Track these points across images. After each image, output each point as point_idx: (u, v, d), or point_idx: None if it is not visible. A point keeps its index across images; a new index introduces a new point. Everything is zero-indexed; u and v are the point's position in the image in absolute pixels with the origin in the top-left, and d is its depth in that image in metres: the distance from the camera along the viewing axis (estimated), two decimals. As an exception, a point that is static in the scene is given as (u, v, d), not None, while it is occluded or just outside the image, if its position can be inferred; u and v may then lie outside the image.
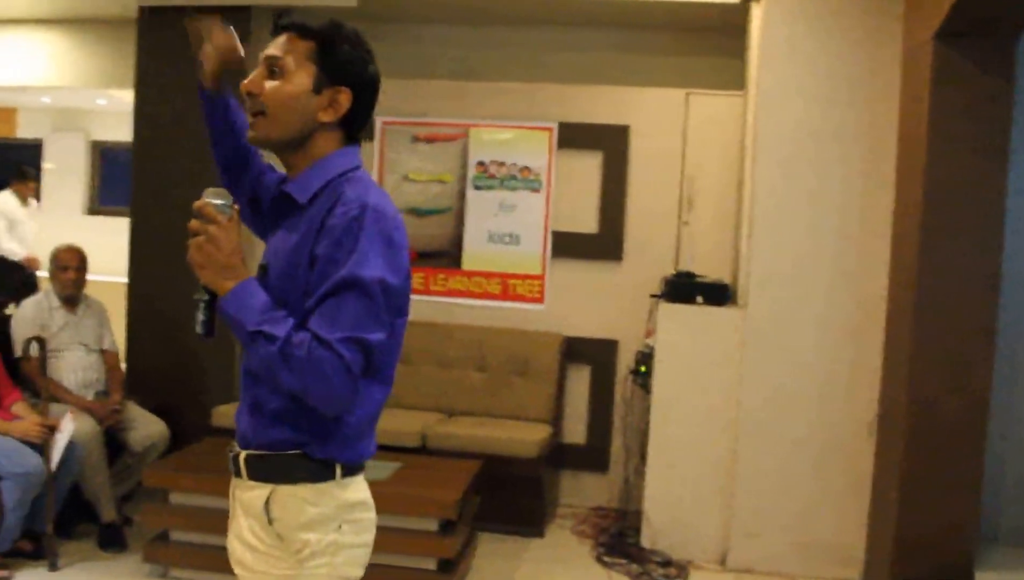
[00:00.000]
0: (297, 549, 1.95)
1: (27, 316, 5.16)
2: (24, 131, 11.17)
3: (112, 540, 4.87)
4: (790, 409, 5.03)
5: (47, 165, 11.04)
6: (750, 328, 5.06)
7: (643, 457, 5.36)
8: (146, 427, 5.13)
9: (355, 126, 2.05)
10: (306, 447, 1.95)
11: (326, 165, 2.00)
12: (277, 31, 2.03)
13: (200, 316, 1.96)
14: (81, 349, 5.21)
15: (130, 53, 6.35)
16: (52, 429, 4.59)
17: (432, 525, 4.33)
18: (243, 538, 2.03)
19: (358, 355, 1.83)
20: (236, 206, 1.96)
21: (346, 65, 1.99)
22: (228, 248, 1.90)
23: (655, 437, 5.22)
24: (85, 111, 10.59)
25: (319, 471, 1.96)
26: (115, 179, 10.64)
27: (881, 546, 4.69)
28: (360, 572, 2.04)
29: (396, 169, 6.20)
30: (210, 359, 5.76)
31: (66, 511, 4.84)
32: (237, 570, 2.06)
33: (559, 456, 5.93)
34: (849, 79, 4.95)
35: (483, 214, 6.11)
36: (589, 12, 5.86)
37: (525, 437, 5.42)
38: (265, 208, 2.20)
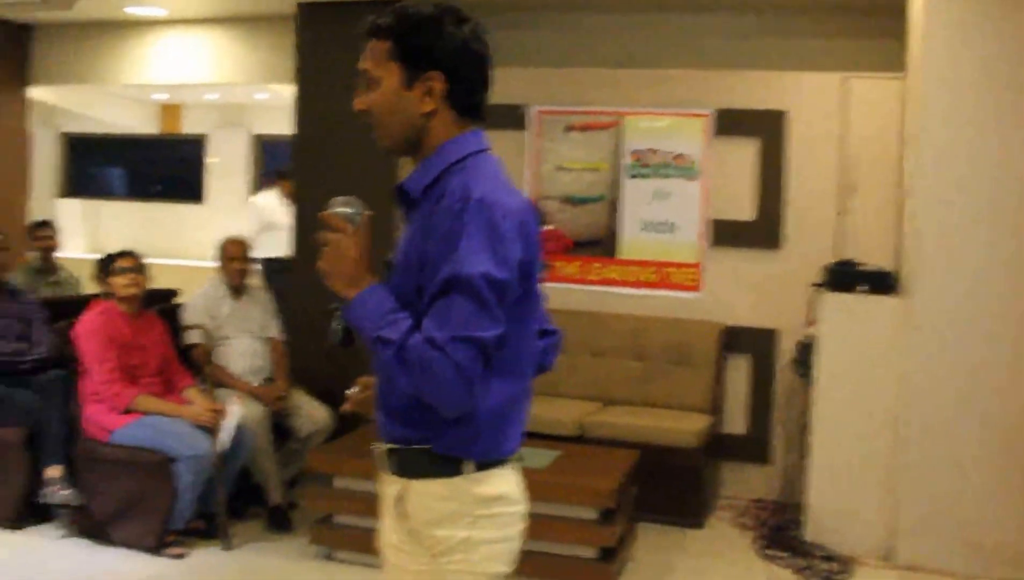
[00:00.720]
0: (430, 545, 1.94)
1: (197, 305, 5.35)
2: (189, 127, 11.59)
3: (279, 522, 5.03)
4: (959, 402, 4.79)
5: (211, 160, 11.44)
6: (915, 317, 4.85)
7: (805, 449, 5.21)
8: (311, 413, 5.26)
9: (467, 101, 1.97)
10: (431, 443, 1.93)
11: (438, 156, 1.95)
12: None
13: (335, 325, 1.98)
14: (248, 336, 5.37)
15: (290, 48, 6.53)
16: (222, 413, 4.74)
17: (591, 514, 4.31)
18: (386, 532, 2.05)
19: (471, 354, 1.78)
20: (367, 213, 1.96)
21: (427, 49, 1.91)
22: (352, 257, 1.91)
23: (817, 429, 5.06)
24: (247, 106, 10.93)
25: (447, 467, 1.93)
26: (277, 171, 10.93)
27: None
28: (505, 568, 1.99)
29: (550, 158, 6.18)
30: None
31: (237, 493, 5.01)
32: (384, 563, 2.08)
33: (719, 446, 5.81)
34: (1020, 61, 4.68)
35: (638, 202, 6.04)
36: (745, -4, 5.73)
37: (684, 426, 5.34)
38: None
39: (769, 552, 4.97)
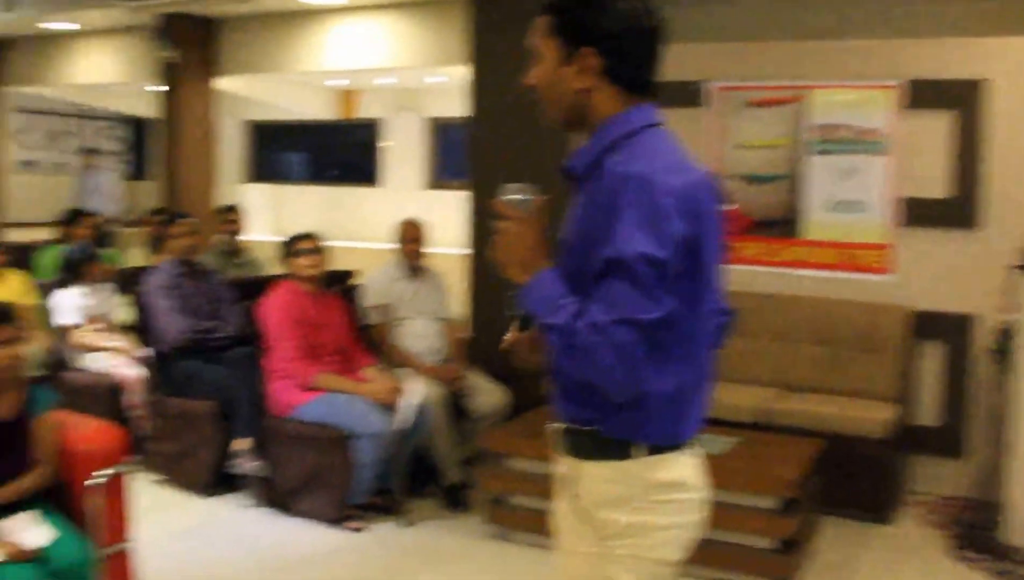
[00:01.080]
0: (599, 527, 1.93)
1: (374, 286, 5.45)
2: (366, 112, 11.83)
3: (455, 501, 5.07)
4: None
5: (388, 143, 11.66)
6: None
7: (1004, 443, 4.89)
8: (488, 394, 5.28)
9: (631, 75, 1.94)
10: (599, 425, 1.92)
11: (601, 134, 1.93)
12: None
13: (512, 313, 2.01)
14: (424, 317, 5.43)
15: (464, 31, 6.55)
16: (400, 391, 4.81)
17: (772, 503, 4.16)
18: (559, 512, 2.07)
19: (631, 337, 1.75)
20: (540, 198, 1.95)
21: (584, 26, 1.91)
22: (524, 243, 1.91)
23: (1019, 423, 4.74)
24: (421, 90, 11.07)
25: (616, 450, 1.92)
26: (451, 154, 11.05)
27: None
28: (677, 554, 1.96)
29: (729, 136, 5.98)
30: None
31: (414, 471, 5.08)
32: (557, 544, 2.08)
33: (908, 438, 5.51)
34: None
35: (822, 180, 5.77)
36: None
37: (870, 415, 5.10)
38: None
39: (964, 553, 4.68)
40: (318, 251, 5.11)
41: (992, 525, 4.87)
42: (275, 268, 6.39)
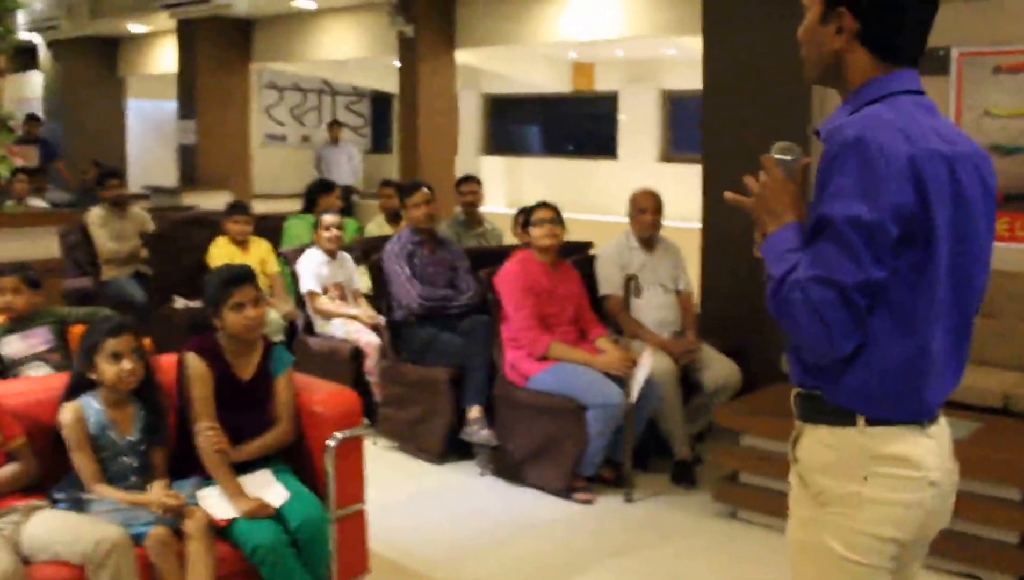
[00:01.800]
0: (816, 492, 1.93)
1: (610, 256, 5.42)
2: (600, 85, 11.83)
3: (684, 476, 5.00)
4: None
5: (621, 116, 11.62)
6: None
7: None
8: (719, 368, 5.18)
9: (886, 43, 1.92)
10: (823, 390, 1.92)
11: (854, 97, 1.95)
12: None
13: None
14: (659, 289, 5.37)
15: (697, 1, 6.39)
16: (633, 363, 4.77)
17: (1016, 494, 3.87)
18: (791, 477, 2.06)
19: (828, 297, 1.77)
20: (804, 160, 1.98)
21: None
22: (777, 197, 1.93)
23: None
24: (656, 60, 10.96)
25: (839, 416, 1.90)
26: (686, 127, 10.90)
27: None
28: (900, 533, 1.88)
29: (975, 104, 5.55)
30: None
31: (643, 445, 5.05)
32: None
33: None
34: None
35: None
36: None
37: None
38: None
39: None
40: (554, 221, 5.13)
41: None
42: (512, 239, 6.50)
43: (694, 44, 6.79)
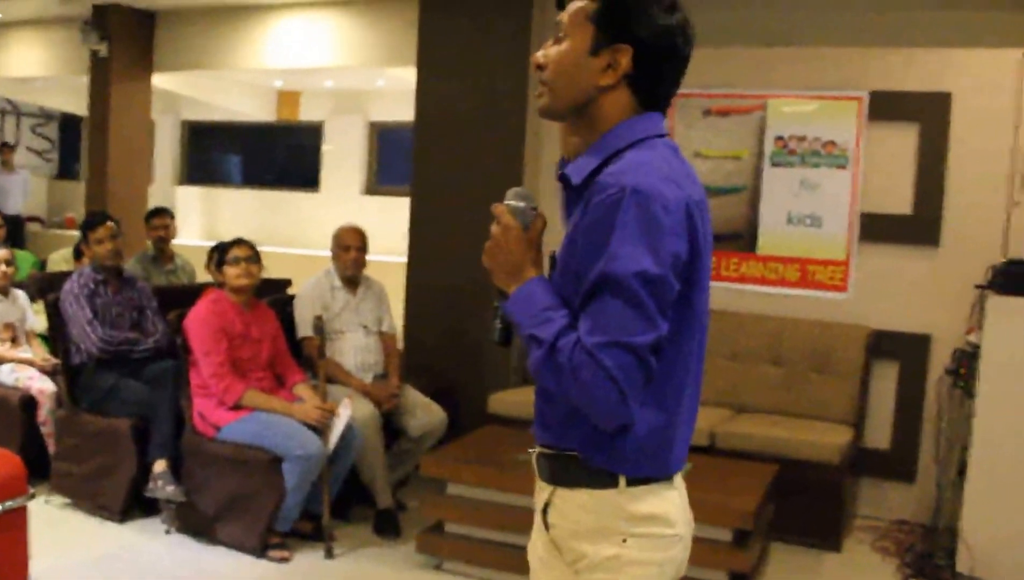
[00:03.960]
0: (573, 559, 1.83)
1: (310, 295, 5.15)
2: (306, 115, 11.58)
3: (387, 526, 4.81)
4: None
5: (326, 147, 11.40)
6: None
7: (960, 470, 4.72)
8: (424, 413, 5.03)
9: (650, 90, 1.82)
10: (582, 452, 1.81)
11: (607, 140, 1.80)
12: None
13: (496, 323, 1.91)
14: (361, 330, 5.16)
15: (412, 31, 6.29)
16: (331, 412, 4.53)
17: (726, 535, 3.95)
18: (534, 542, 1.96)
19: (624, 361, 1.64)
20: (539, 213, 1.85)
21: (628, 21, 1.78)
22: (513, 250, 1.81)
23: (978, 448, 4.56)
24: (364, 92, 10.85)
25: (596, 478, 1.81)
26: (392, 159, 10.84)
27: None
28: None
29: (687, 145, 5.75)
30: (488, 344, 5.59)
31: (344, 494, 4.82)
32: (531, 575, 2.00)
33: (860, 462, 5.35)
34: None
35: (782, 193, 5.58)
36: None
37: (825, 440, 4.90)
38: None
39: (916, 582, 4.52)
40: (250, 259, 4.81)
41: (944, 553, 4.72)
42: (206, 276, 6.09)
43: (404, 75, 6.68)
